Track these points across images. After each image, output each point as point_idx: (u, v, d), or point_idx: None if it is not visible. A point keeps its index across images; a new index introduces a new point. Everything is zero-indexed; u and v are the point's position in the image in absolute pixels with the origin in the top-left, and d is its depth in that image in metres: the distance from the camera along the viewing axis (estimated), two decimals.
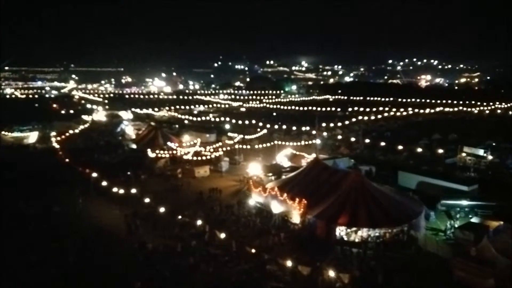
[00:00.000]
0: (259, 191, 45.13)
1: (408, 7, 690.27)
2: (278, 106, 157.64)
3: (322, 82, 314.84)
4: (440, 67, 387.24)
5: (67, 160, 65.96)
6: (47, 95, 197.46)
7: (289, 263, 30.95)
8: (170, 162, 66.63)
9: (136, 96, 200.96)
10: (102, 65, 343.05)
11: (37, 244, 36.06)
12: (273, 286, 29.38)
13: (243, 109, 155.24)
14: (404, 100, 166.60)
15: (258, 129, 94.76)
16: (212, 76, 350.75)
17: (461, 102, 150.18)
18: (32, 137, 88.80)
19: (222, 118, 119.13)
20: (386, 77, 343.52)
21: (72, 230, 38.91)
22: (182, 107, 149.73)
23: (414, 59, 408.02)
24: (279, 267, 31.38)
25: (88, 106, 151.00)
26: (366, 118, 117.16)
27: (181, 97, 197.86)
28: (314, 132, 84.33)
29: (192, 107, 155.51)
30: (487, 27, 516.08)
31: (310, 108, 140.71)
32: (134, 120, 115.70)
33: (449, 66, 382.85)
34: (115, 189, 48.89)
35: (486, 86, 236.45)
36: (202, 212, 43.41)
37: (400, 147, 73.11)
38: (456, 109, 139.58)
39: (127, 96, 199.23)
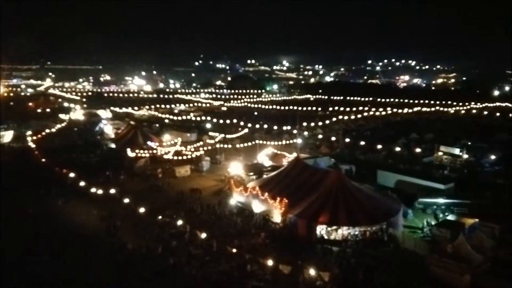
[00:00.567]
0: (240, 190, 45.13)
1: (387, 8, 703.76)
2: (259, 105, 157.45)
3: (303, 82, 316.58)
4: (417, 67, 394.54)
5: (43, 160, 64.32)
6: (22, 93, 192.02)
7: (270, 262, 30.97)
8: (150, 161, 65.86)
9: (115, 94, 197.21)
10: (80, 63, 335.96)
11: (9, 247, 34.86)
12: (254, 285, 29.36)
13: (224, 108, 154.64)
14: (383, 100, 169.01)
15: (239, 129, 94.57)
16: (193, 75, 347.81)
17: (437, 102, 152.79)
18: (7, 136, 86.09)
19: (203, 117, 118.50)
20: (365, 77, 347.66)
21: (48, 232, 37.92)
22: (163, 106, 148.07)
23: (393, 60, 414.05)
24: (260, 266, 31.37)
25: (66, 104, 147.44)
26: (346, 117, 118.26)
27: (161, 96, 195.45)
28: (295, 131, 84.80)
29: (173, 106, 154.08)
30: (463, 29, 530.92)
31: (291, 107, 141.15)
32: (113, 119, 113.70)
33: (427, 66, 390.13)
34: (93, 190, 47.93)
35: (462, 86, 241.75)
36: (183, 212, 43.03)
37: (379, 146, 74.20)
38: (433, 109, 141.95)
39: (106, 95, 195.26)
